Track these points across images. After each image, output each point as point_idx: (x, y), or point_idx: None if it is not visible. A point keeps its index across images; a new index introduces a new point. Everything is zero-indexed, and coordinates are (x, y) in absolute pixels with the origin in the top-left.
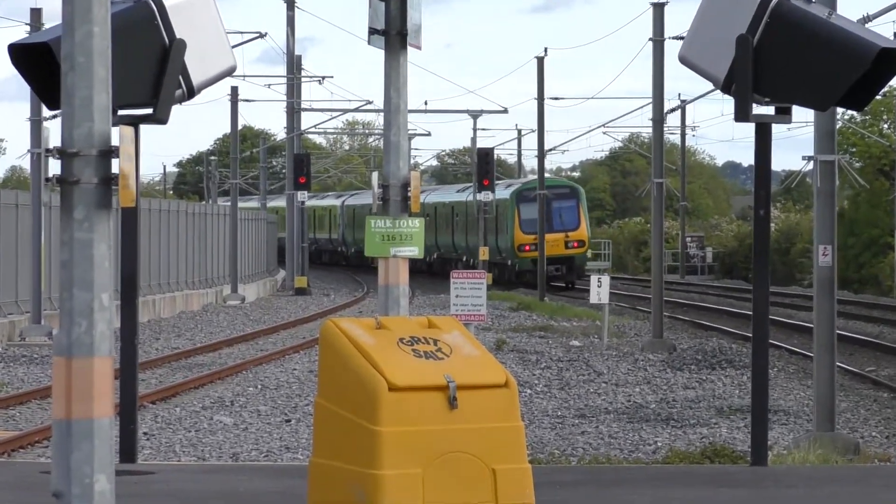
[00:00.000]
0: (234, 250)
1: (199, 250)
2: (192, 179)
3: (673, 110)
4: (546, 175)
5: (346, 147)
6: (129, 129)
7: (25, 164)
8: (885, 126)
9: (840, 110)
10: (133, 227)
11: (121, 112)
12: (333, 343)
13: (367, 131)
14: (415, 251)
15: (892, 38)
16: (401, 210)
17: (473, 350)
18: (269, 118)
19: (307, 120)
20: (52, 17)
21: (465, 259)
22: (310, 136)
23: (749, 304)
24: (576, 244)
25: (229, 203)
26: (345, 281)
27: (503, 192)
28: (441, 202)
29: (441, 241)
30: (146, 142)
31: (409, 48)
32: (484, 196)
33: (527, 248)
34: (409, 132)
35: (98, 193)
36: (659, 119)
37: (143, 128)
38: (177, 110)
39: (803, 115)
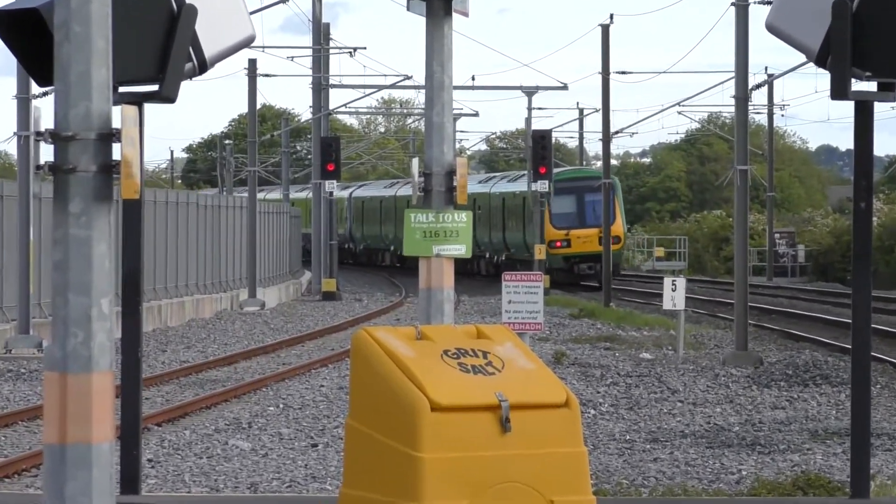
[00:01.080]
0: (252, 249)
1: (212, 249)
2: (203, 167)
3: (759, 86)
4: (584, 166)
5: (382, 129)
6: (133, 109)
7: (11, 148)
8: None
9: None
10: (136, 223)
11: (122, 89)
12: (367, 356)
13: (405, 111)
14: (462, 249)
15: None
16: (445, 202)
17: (529, 364)
18: (292, 96)
19: (336, 98)
20: None
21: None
22: (339, 116)
23: (847, 310)
24: (612, 240)
25: (247, 194)
26: (379, 283)
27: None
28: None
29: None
30: (151, 123)
31: (454, 15)
32: (541, 186)
33: (558, 244)
34: (455, 112)
35: (97, 183)
36: (743, 96)
37: (148, 107)
38: (186, 87)
39: None
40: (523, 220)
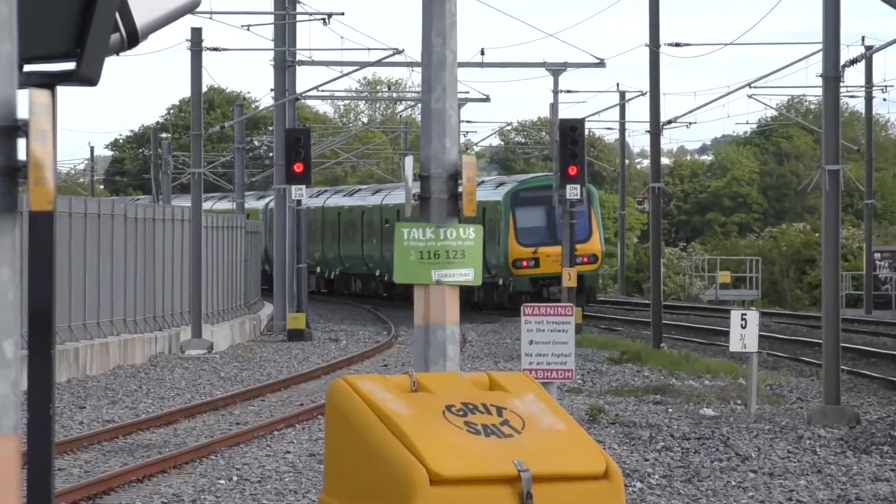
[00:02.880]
0: (196, 274)
1: (144, 274)
2: (133, 168)
3: (854, 62)
4: (540, 175)
5: (365, 119)
6: (44, 94)
7: None
8: None
9: None
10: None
11: (29, 68)
12: (347, 412)
13: (395, 95)
14: (469, 275)
15: None
16: (448, 213)
17: (557, 423)
18: (248, 76)
19: (306, 79)
20: None
21: (378, 275)
22: (310, 102)
23: None
24: (585, 259)
25: (189, 203)
26: (362, 318)
27: (492, 192)
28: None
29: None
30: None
31: None
32: (571, 192)
33: (524, 263)
34: (460, 97)
35: None
36: (833, 75)
37: (62, 91)
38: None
39: None
40: (498, 235)
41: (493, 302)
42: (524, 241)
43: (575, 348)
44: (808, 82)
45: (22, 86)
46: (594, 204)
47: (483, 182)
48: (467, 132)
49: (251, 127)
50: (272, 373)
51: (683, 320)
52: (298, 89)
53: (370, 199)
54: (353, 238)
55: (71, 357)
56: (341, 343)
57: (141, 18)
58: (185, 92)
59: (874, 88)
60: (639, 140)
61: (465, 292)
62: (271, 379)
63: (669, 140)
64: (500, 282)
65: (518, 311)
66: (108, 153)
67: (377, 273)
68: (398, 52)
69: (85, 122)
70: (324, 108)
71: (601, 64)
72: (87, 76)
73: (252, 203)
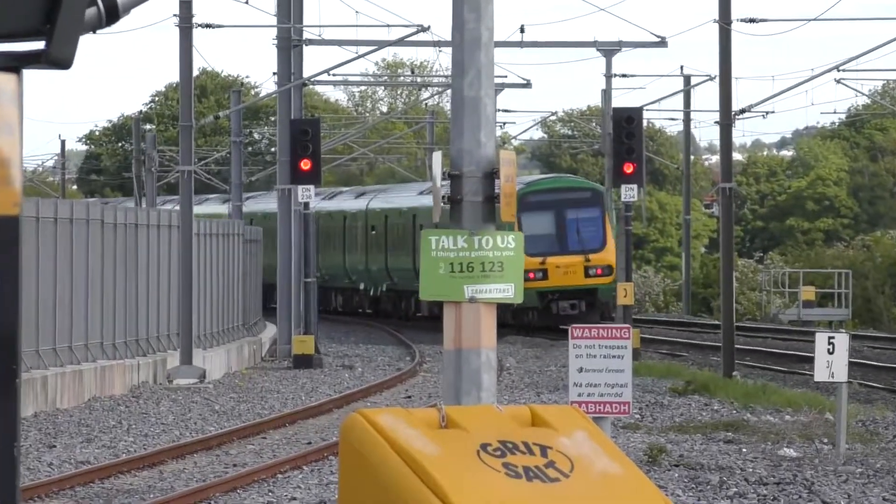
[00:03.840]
0: (187, 289)
1: (125, 290)
2: (111, 165)
3: None
4: (560, 175)
5: (384, 108)
6: (9, 79)
7: None
8: None
9: None
10: (13, 251)
11: None
12: (364, 452)
13: (419, 80)
14: (509, 290)
15: None
16: (483, 218)
17: (611, 465)
18: (247, 58)
19: (314, 61)
20: None
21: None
22: (319, 88)
23: None
24: (599, 271)
25: (178, 207)
26: (380, 341)
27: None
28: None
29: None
30: (34, 99)
31: None
32: (627, 193)
33: (530, 275)
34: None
35: None
36: None
37: (29, 75)
38: (87, 44)
39: None
40: None
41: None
42: (531, 250)
43: (632, 377)
44: None
45: None
46: (608, 208)
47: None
48: (505, 123)
49: (251, 117)
50: (275, 406)
51: (760, 344)
52: (306, 73)
53: (392, 199)
54: (365, 248)
55: (38, 387)
56: (357, 370)
57: None
58: (173, 76)
59: None
60: (707, 132)
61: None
62: (274, 413)
63: (743, 132)
64: None
65: (521, 330)
66: (82, 147)
67: (397, 288)
68: (423, 29)
69: (55, 112)
70: (336, 94)
71: (662, 43)
72: (58, 58)
73: (252, 206)
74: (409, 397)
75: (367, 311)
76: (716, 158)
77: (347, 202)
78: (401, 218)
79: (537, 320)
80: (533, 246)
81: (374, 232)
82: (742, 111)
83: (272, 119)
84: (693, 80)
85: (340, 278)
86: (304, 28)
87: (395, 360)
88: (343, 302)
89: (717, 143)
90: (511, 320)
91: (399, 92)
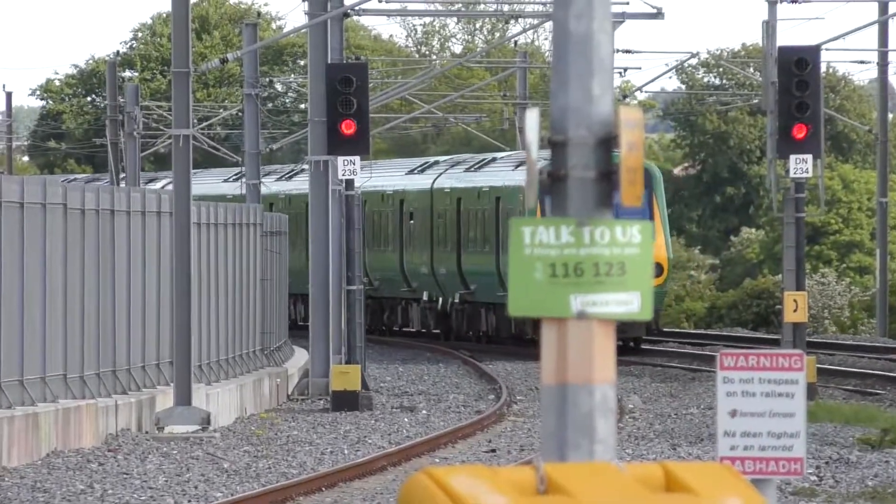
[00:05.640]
0: (183, 300)
1: (97, 301)
2: (76, 128)
3: None
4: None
5: (457, 49)
6: None
7: None
8: None
9: None
10: None
11: None
12: None
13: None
14: (634, 302)
15: None
16: (596, 202)
17: None
18: None
19: None
20: None
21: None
22: (366, 21)
23: None
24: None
25: (171, 184)
26: (450, 373)
27: (510, 174)
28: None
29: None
30: None
31: None
32: (797, 167)
33: None
34: (616, 11)
35: None
36: None
37: None
38: None
39: None
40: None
41: (508, 330)
42: None
43: (806, 423)
44: None
45: None
46: (657, 191)
47: (495, 159)
48: (626, 69)
49: (271, 61)
50: (307, 462)
51: None
52: (348, 0)
53: (462, 178)
54: (431, 244)
55: None
56: (420, 413)
57: None
58: (162, 3)
59: None
60: None
61: (466, 317)
62: (306, 473)
63: None
64: None
65: (535, 345)
66: (36, 103)
67: (474, 298)
68: None
69: None
70: (390, 29)
71: None
72: None
73: (274, 185)
74: (494, 451)
75: (434, 331)
76: None
77: (405, 179)
78: (480, 201)
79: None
80: None
81: (441, 220)
82: None
83: (301, 64)
84: (892, 8)
85: (396, 285)
86: None
87: (472, 400)
88: (406, 318)
89: None
90: (532, 332)
91: (479, 26)
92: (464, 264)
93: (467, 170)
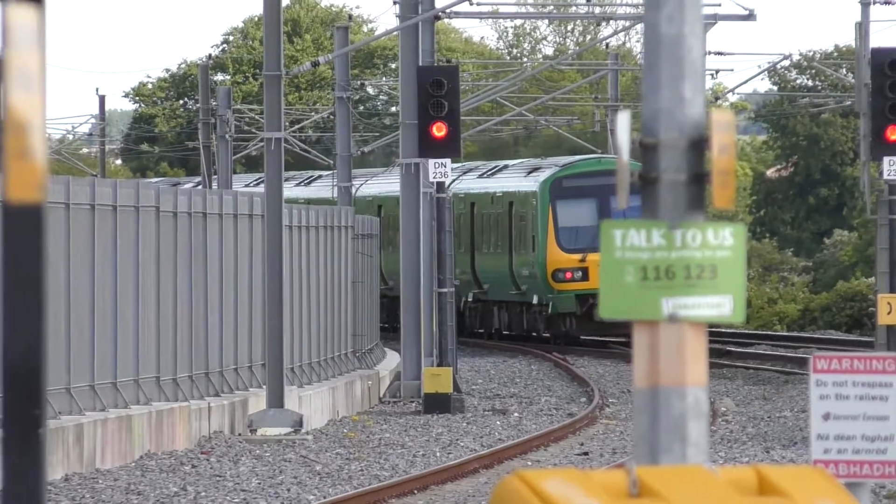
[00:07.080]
0: (275, 304)
1: (189, 304)
2: (169, 131)
3: None
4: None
5: (548, 51)
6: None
7: None
8: None
9: None
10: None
11: None
12: None
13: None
14: (725, 305)
15: None
16: (688, 205)
17: None
18: None
19: None
20: None
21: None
22: (458, 23)
23: None
24: None
25: (262, 188)
26: (542, 376)
27: (522, 180)
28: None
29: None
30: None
31: None
32: (891, 167)
33: (567, 275)
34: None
35: None
36: None
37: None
38: None
39: None
40: (532, 238)
41: (521, 327)
42: (568, 245)
43: None
44: None
45: None
46: None
47: (507, 166)
48: (718, 71)
49: (362, 64)
50: (399, 465)
51: None
52: (439, 2)
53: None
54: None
55: (71, 439)
56: (512, 416)
57: None
58: (254, 7)
59: None
60: None
61: (479, 315)
62: (398, 475)
63: None
64: (535, 300)
65: (559, 341)
66: (129, 106)
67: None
68: None
69: (92, 59)
70: (481, 32)
71: None
72: None
73: (365, 188)
74: (586, 454)
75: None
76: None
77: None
78: (493, 206)
79: (576, 329)
80: (570, 240)
81: (455, 224)
82: None
83: (392, 66)
84: None
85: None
86: None
87: (564, 402)
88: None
89: None
90: (544, 330)
91: (570, 28)
92: (477, 265)
93: (480, 176)
